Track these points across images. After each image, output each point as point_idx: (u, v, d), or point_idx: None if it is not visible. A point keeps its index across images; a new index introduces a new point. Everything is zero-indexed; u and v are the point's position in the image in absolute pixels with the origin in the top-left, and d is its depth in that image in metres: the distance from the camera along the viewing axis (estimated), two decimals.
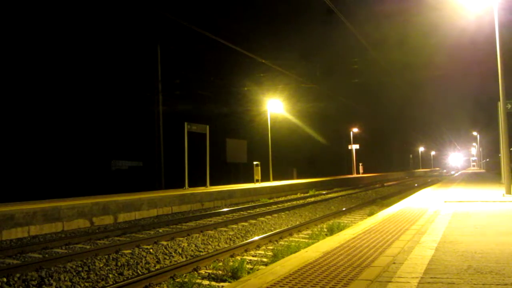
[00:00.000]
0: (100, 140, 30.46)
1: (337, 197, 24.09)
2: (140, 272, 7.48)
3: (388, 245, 5.73)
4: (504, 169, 14.27)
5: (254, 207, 18.23)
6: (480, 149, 79.31)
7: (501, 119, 13.85)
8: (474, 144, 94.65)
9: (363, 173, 51.54)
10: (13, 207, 11.90)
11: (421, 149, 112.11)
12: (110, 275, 7.27)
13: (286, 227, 12.05)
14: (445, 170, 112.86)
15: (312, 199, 22.31)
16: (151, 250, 9.10)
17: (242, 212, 16.50)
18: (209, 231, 11.63)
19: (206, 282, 6.66)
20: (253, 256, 8.59)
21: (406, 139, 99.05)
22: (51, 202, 13.65)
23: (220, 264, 7.53)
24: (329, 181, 34.88)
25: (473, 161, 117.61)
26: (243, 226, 12.81)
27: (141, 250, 9.15)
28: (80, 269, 7.57)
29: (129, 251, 9.05)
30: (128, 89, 30.33)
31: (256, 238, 9.99)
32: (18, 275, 7.11)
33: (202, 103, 34.11)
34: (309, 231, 11.49)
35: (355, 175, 47.83)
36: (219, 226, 12.51)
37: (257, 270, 6.22)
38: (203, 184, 22.83)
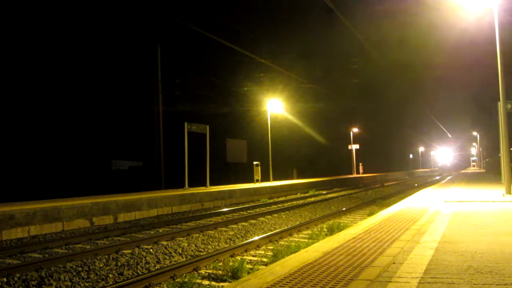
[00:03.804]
0: (100, 140, 30.43)
1: (337, 197, 24.09)
2: (140, 272, 7.48)
3: (388, 245, 5.73)
4: (504, 169, 14.27)
5: (254, 207, 18.23)
6: (480, 149, 79.27)
7: (501, 119, 13.85)
8: (474, 144, 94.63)
9: (363, 173, 51.57)
10: (13, 207, 11.90)
11: (421, 149, 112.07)
12: (110, 275, 7.27)
13: (286, 227, 12.05)
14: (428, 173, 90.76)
15: (312, 199, 22.31)
16: (151, 250, 9.10)
17: (242, 212, 16.50)
18: (209, 231, 11.63)
19: (206, 282, 6.66)
20: (253, 256, 8.59)
21: (406, 139, 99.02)
22: (51, 202, 13.65)
23: (220, 264, 7.53)
24: (329, 181, 34.88)
25: (473, 161, 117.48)
26: (243, 226, 12.81)
27: (141, 250, 9.15)
28: (80, 269, 7.57)
29: (129, 251, 9.05)
30: (128, 89, 30.33)
31: (256, 238, 9.99)
32: (18, 275, 7.11)
33: (202, 103, 34.09)
34: (309, 231, 11.49)
35: (355, 175, 47.84)
36: (219, 226, 12.51)
37: (257, 270, 6.22)
38: (203, 184, 22.84)
